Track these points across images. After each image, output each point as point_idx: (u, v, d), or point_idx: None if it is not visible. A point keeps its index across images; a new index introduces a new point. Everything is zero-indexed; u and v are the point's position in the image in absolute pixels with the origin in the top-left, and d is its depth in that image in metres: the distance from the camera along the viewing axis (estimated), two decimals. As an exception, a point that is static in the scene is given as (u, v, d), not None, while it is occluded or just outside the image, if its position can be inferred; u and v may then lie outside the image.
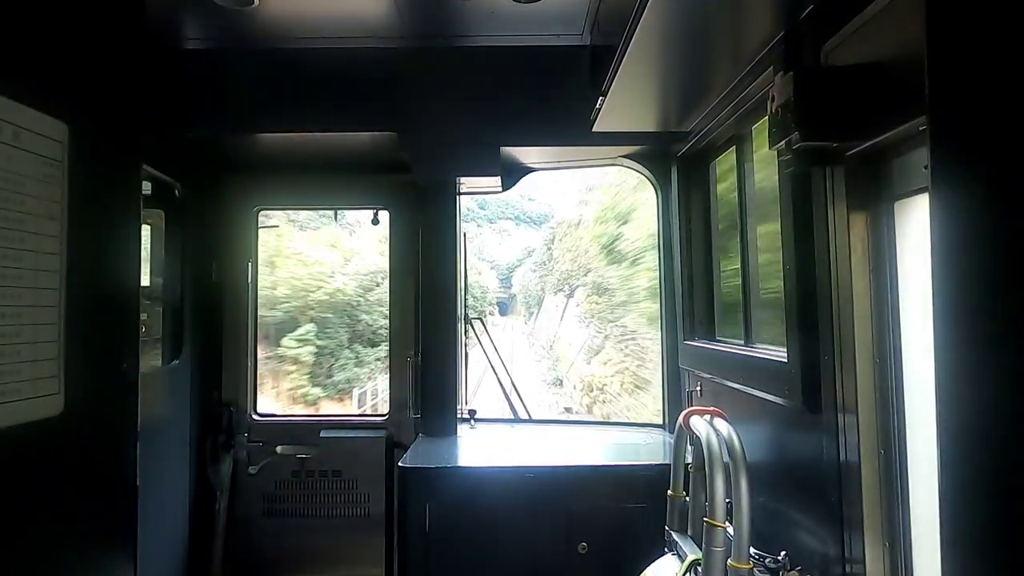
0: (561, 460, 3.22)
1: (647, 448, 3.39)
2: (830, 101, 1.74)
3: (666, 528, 2.48)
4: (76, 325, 1.62)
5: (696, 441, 2.25)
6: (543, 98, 3.36)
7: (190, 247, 3.75)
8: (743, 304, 2.76)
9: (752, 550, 1.94)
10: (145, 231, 3.32)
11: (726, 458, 2.04)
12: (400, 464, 3.06)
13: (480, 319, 4.14)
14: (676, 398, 3.51)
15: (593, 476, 3.01)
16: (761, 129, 2.50)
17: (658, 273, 3.71)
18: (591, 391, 20.24)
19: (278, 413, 3.89)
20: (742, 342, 2.76)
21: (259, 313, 4.10)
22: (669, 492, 2.49)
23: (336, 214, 4.49)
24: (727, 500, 1.99)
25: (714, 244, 3.24)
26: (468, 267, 3.97)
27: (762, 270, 2.68)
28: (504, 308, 52.46)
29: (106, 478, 1.86)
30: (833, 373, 1.89)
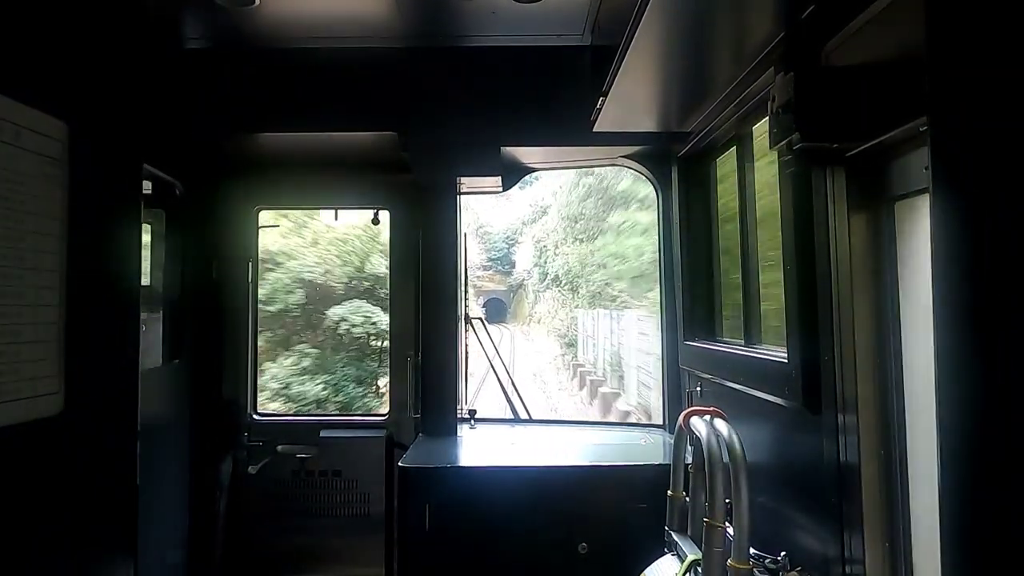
0: (561, 460, 3.22)
1: (647, 448, 3.39)
2: (831, 101, 1.74)
3: (666, 528, 2.48)
4: (76, 325, 1.61)
5: (696, 441, 2.25)
6: (544, 98, 3.36)
7: (190, 247, 3.75)
8: (743, 304, 2.76)
9: (752, 550, 1.94)
10: (145, 231, 3.32)
11: (726, 458, 2.03)
12: (400, 464, 3.05)
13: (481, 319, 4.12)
14: (676, 398, 3.51)
15: (593, 476, 3.01)
16: (762, 129, 2.50)
17: (658, 273, 3.71)
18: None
19: (278, 413, 3.89)
20: (742, 342, 2.76)
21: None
22: (669, 492, 2.49)
23: (336, 214, 4.48)
24: (727, 500, 1.99)
25: (714, 244, 3.24)
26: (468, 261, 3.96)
27: (762, 270, 2.68)
28: (498, 309, 31.89)
29: (106, 478, 1.85)
30: (833, 373, 1.89)
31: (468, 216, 3.98)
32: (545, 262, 28.83)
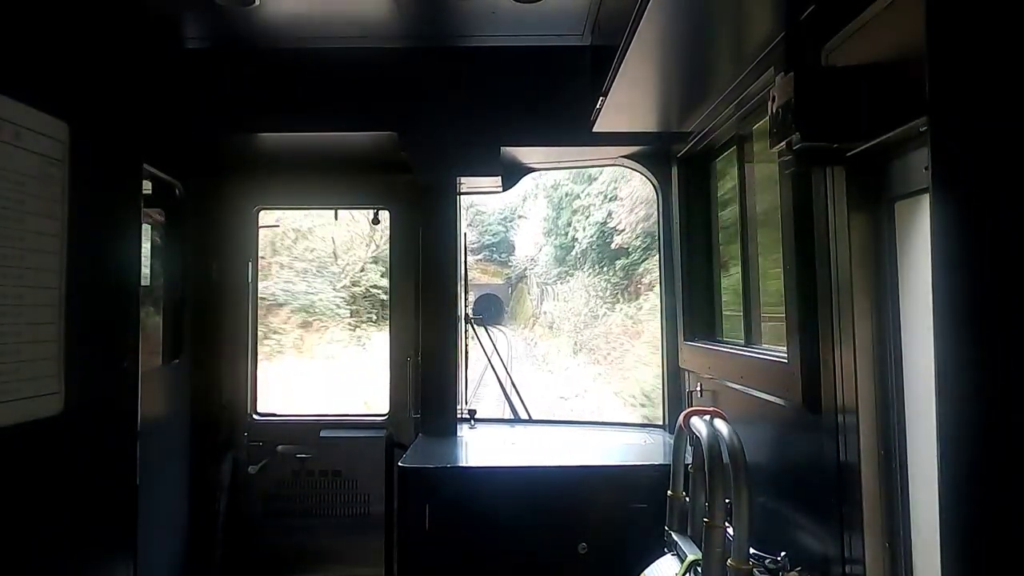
0: (561, 460, 3.22)
1: (647, 448, 3.39)
2: (831, 101, 1.74)
3: (666, 528, 2.48)
4: (76, 325, 1.61)
5: (696, 441, 2.25)
6: (544, 98, 3.36)
7: (190, 247, 3.76)
8: (743, 304, 2.76)
9: (752, 550, 1.94)
10: (145, 231, 3.32)
11: (726, 458, 2.03)
12: (400, 464, 3.05)
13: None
14: (676, 398, 3.51)
15: (593, 476, 3.01)
16: (762, 129, 2.50)
17: (658, 273, 3.71)
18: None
19: (278, 412, 3.89)
20: (742, 342, 2.76)
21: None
22: (669, 492, 2.49)
23: (336, 214, 4.49)
24: (727, 500, 1.99)
25: (714, 244, 3.24)
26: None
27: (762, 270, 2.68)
28: (494, 308, 24.68)
29: (106, 478, 1.85)
30: (833, 373, 1.89)
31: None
32: (570, 224, 19.73)
